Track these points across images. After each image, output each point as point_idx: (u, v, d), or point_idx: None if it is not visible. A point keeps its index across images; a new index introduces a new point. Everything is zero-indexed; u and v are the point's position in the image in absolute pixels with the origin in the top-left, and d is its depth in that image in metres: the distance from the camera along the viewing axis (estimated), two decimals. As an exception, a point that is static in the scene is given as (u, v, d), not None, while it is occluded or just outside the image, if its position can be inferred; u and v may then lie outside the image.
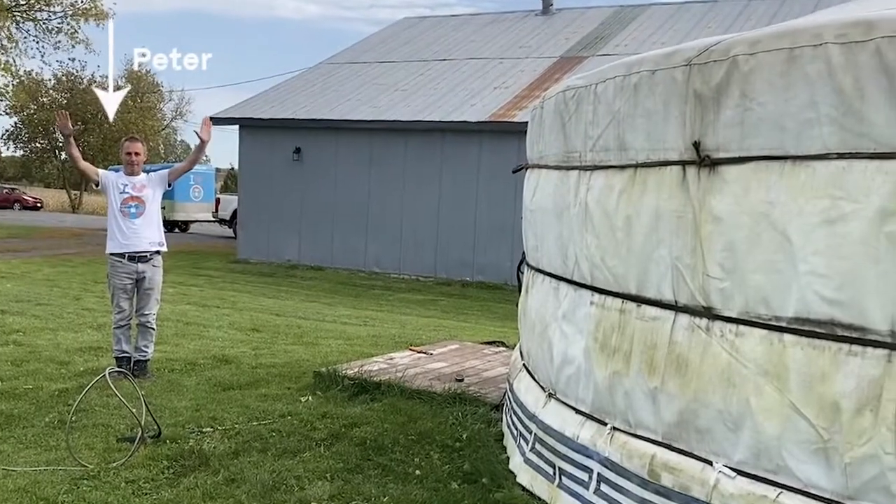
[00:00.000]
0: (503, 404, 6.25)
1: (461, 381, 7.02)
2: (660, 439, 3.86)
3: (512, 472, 4.98)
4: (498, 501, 4.55)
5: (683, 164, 3.75)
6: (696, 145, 3.64)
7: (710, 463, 3.61)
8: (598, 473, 4.15)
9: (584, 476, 4.26)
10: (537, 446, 4.74)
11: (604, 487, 4.11)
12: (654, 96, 3.87)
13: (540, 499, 4.56)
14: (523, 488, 4.75)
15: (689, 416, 3.69)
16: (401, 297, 18.98)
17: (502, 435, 5.72)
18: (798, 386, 3.26)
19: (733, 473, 3.51)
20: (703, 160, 3.62)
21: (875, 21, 3.06)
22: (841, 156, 3.16)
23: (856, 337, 3.12)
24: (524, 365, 5.50)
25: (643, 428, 3.96)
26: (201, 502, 4.61)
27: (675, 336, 3.79)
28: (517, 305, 6.65)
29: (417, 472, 5.07)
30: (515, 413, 5.29)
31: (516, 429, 5.20)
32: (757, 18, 22.76)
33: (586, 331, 4.36)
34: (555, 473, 4.51)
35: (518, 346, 6.23)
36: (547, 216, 4.91)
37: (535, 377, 5.13)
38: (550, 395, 4.78)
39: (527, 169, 5.81)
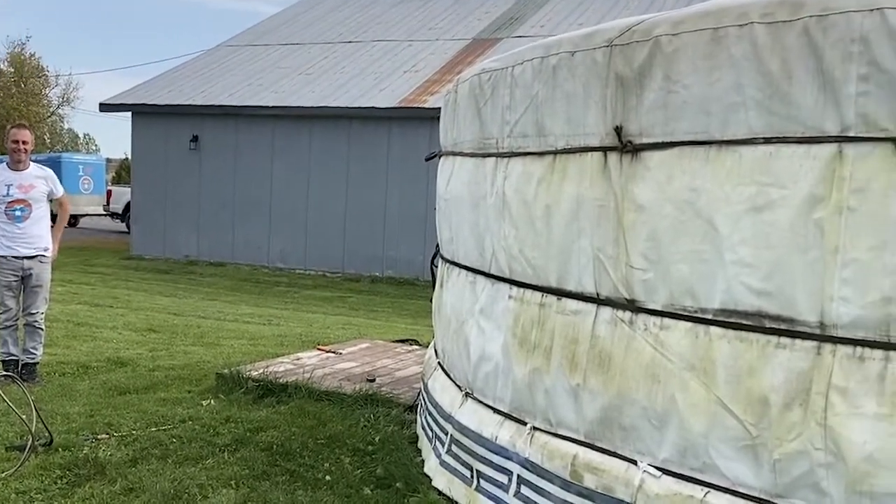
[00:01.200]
0: (417, 405, 6.15)
1: (372, 381, 6.88)
2: (582, 438, 3.80)
3: (427, 476, 4.87)
4: (413, 507, 4.44)
5: (605, 150, 3.69)
6: (618, 130, 3.58)
7: (634, 462, 3.56)
8: (518, 475, 4.07)
9: (503, 479, 4.18)
10: (454, 448, 4.65)
11: (524, 490, 4.03)
12: (574, 79, 3.80)
13: (457, 503, 4.47)
14: (440, 492, 4.65)
15: (612, 414, 3.64)
16: (307, 295, 18.71)
17: (417, 437, 5.62)
18: (725, 381, 3.24)
19: (658, 473, 3.47)
20: (626, 146, 3.57)
21: (804, 1, 3.05)
22: (768, 140, 3.13)
23: (784, 329, 3.11)
24: (439, 363, 5.40)
25: (565, 427, 3.89)
26: (98, 513, 4.41)
27: (597, 330, 3.73)
28: (431, 301, 6.55)
29: (328, 477, 4.92)
30: (430, 414, 5.18)
31: (431, 430, 5.10)
32: (675, 0, 23.10)
33: (505, 326, 4.28)
34: (472, 476, 4.42)
35: (432, 343, 6.12)
36: (462, 206, 4.81)
37: (452, 376, 5.03)
38: (467, 395, 4.69)
39: (440, 157, 5.70)
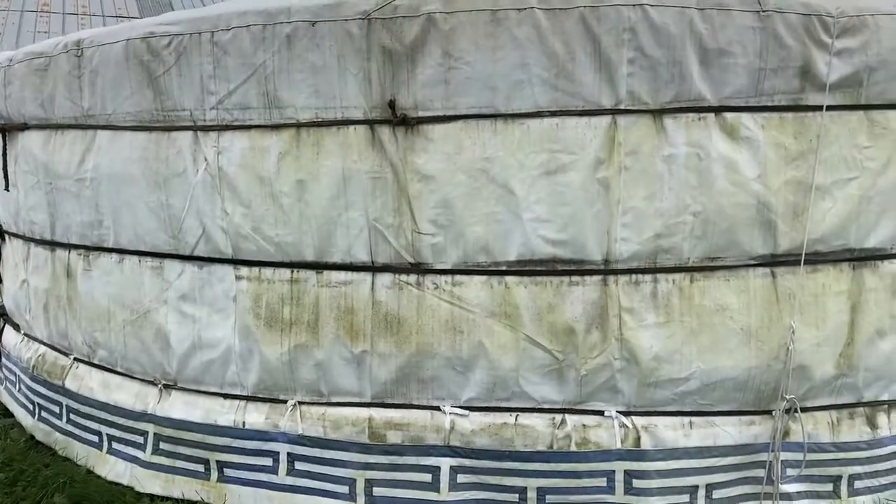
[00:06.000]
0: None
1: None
2: (369, 400, 3.20)
3: (124, 485, 3.55)
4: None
5: (371, 122, 3.03)
6: (392, 104, 2.97)
7: (437, 409, 3.14)
8: (290, 453, 3.25)
9: (265, 462, 3.29)
10: (165, 446, 3.46)
11: (301, 466, 3.24)
12: (321, 50, 3.01)
13: (188, 501, 3.37)
14: (153, 497, 3.45)
15: (410, 371, 3.13)
16: None
17: (36, 444, 4.02)
18: (530, 320, 3.04)
19: (466, 412, 3.13)
20: (401, 119, 2.98)
21: (576, -8, 2.88)
22: (553, 113, 2.95)
23: (575, 269, 3.03)
24: (78, 359, 3.89)
25: (344, 394, 3.22)
26: None
27: (377, 296, 3.13)
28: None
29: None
30: (89, 416, 3.74)
31: (98, 433, 3.70)
32: None
33: (239, 308, 3.29)
34: (210, 469, 3.38)
35: (21, 341, 4.36)
36: (131, 185, 3.43)
37: (123, 370, 3.68)
38: (168, 387, 3.51)
39: (21, 130, 3.98)
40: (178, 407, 3.45)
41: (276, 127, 3.13)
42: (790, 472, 3.17)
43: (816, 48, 2.97)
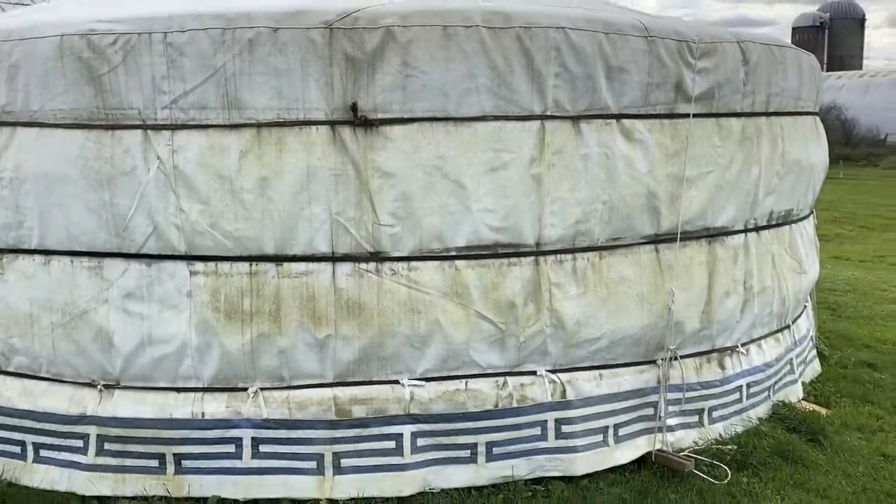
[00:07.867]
0: None
1: None
2: (331, 381, 3.43)
3: (61, 491, 3.43)
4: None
5: (333, 123, 3.26)
6: (354, 107, 3.23)
7: (397, 382, 3.46)
8: (254, 438, 3.38)
9: (227, 449, 3.38)
10: (112, 446, 3.40)
11: (266, 448, 3.39)
12: (285, 55, 3.19)
13: (122, 497, 3.37)
14: (101, 499, 3.39)
15: (372, 351, 3.41)
16: None
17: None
18: (478, 297, 3.47)
19: (422, 382, 3.49)
20: (363, 121, 3.25)
21: (511, 13, 3.34)
22: (496, 118, 3.39)
23: (513, 252, 3.51)
24: None
25: (306, 377, 3.42)
26: None
27: (339, 284, 3.37)
28: None
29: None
30: (7, 427, 3.53)
31: (20, 444, 3.51)
32: None
33: (195, 303, 3.33)
34: (164, 464, 3.40)
35: None
36: (63, 185, 3.27)
37: (50, 376, 3.51)
38: (110, 387, 3.45)
39: None
40: (125, 406, 3.42)
41: (235, 126, 3.24)
42: (671, 408, 3.92)
43: (685, 67, 3.72)
